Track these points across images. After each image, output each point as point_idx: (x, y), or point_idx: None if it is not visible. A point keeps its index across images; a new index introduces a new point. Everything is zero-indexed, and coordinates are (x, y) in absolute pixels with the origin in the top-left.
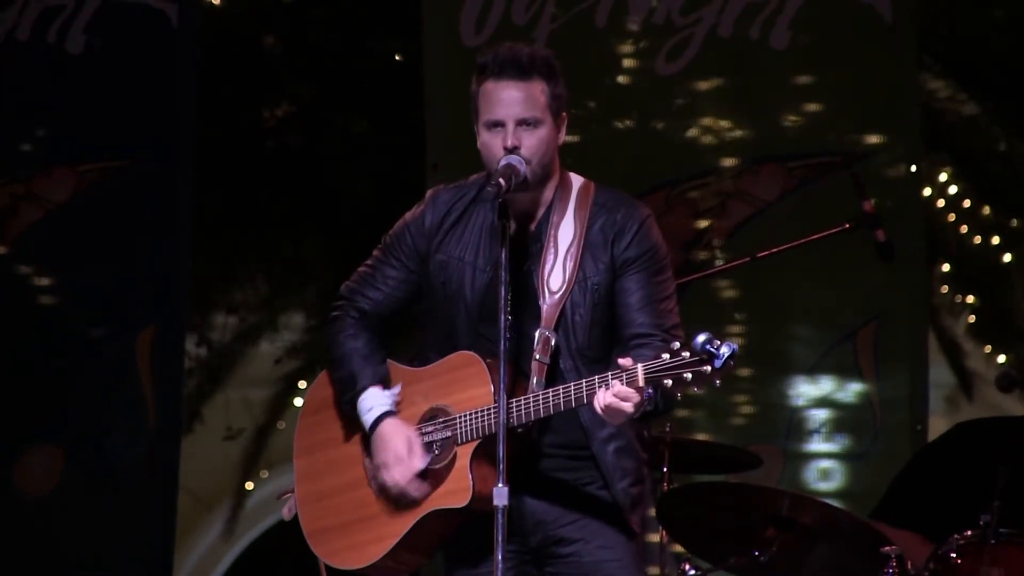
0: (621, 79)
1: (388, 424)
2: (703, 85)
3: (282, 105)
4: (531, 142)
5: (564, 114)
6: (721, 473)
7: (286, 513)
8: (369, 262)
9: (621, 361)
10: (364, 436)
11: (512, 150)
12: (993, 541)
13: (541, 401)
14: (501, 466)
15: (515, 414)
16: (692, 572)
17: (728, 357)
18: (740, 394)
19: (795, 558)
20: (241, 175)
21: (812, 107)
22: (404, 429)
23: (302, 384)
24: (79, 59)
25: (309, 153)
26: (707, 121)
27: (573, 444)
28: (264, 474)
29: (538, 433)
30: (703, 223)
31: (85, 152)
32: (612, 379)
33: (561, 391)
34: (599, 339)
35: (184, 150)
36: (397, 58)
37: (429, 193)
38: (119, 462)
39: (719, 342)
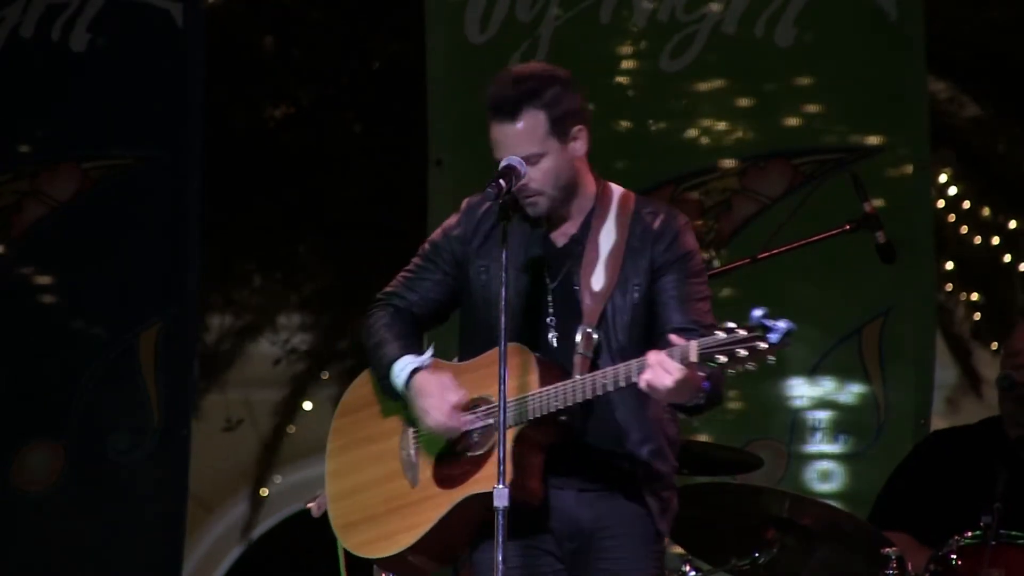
0: (624, 77)
1: (420, 376)
2: (706, 83)
3: (282, 106)
4: (536, 175)
5: (578, 128)
6: (721, 474)
7: (315, 510)
8: (408, 267)
9: (673, 338)
10: (402, 426)
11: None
12: (993, 543)
13: (589, 382)
14: (502, 467)
15: (560, 398)
16: (692, 573)
17: (785, 333)
18: (741, 395)
19: (796, 559)
20: (241, 175)
21: (817, 105)
22: (437, 375)
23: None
24: (83, 57)
25: (309, 153)
26: (710, 119)
27: (607, 446)
28: (278, 479)
29: (578, 431)
30: (708, 223)
31: (89, 150)
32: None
33: (600, 373)
34: (639, 339)
35: (193, 149)
36: (398, 58)
37: (464, 203)
38: (122, 460)
39: (775, 319)
